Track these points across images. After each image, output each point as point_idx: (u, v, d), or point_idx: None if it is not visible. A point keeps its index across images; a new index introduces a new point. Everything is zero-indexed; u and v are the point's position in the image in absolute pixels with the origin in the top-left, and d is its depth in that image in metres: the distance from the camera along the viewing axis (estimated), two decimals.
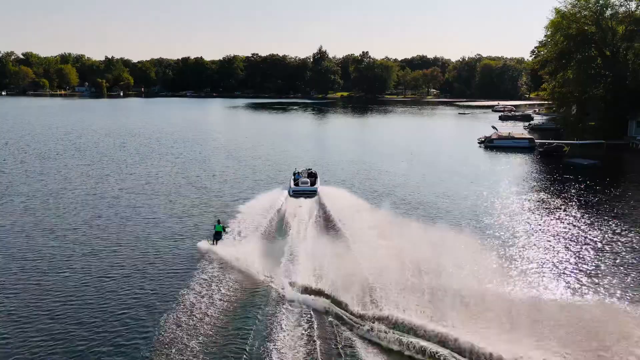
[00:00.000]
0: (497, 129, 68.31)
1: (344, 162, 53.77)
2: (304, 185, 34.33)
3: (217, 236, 24.02)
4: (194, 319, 17.19)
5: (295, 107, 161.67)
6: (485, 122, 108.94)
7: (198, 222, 29.12)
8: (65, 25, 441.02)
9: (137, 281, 20.68)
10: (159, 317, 17.29)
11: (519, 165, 53.01)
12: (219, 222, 24.89)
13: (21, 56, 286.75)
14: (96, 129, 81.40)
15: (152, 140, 68.16)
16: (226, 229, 24.94)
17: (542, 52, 78.96)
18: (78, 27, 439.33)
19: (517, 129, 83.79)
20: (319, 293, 18.84)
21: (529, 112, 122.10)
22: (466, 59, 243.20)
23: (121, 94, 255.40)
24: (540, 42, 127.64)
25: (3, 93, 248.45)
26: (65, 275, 21.25)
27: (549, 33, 71.54)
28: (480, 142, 66.68)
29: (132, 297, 19.19)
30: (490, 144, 63.83)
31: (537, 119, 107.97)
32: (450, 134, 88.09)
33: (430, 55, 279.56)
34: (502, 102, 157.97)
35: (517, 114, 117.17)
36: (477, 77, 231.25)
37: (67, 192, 36.57)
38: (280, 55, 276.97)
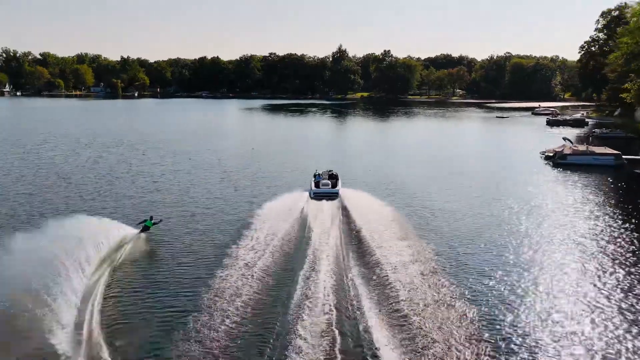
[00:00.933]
0: (571, 141, 53.00)
1: (372, 180, 40.62)
2: (325, 187, 32.86)
3: (145, 229, 24.96)
4: None
5: (313, 109, 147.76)
6: (533, 127, 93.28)
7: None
8: (85, 26, 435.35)
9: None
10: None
11: (612, 194, 37.90)
12: (151, 218, 25.58)
13: (39, 56, 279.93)
14: (80, 137, 68.58)
15: (137, 153, 54.83)
16: (156, 224, 25.51)
17: (625, 44, 62.40)
18: (97, 28, 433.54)
19: (566, 133, 68.33)
20: None
21: (577, 115, 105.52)
22: (494, 57, 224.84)
23: (136, 94, 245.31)
24: (591, 37, 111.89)
25: (18, 93, 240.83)
26: None
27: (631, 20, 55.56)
28: (548, 158, 51.48)
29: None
30: (563, 161, 48.66)
31: (591, 124, 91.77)
32: (499, 143, 71.56)
33: (455, 54, 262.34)
34: (542, 104, 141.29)
35: (567, 118, 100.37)
36: (506, 77, 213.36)
37: None
38: (299, 54, 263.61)
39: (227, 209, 30.76)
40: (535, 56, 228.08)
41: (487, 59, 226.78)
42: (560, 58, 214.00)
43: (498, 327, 16.29)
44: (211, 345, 14.89)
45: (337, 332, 15.53)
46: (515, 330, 16.12)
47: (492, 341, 15.40)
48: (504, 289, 19.29)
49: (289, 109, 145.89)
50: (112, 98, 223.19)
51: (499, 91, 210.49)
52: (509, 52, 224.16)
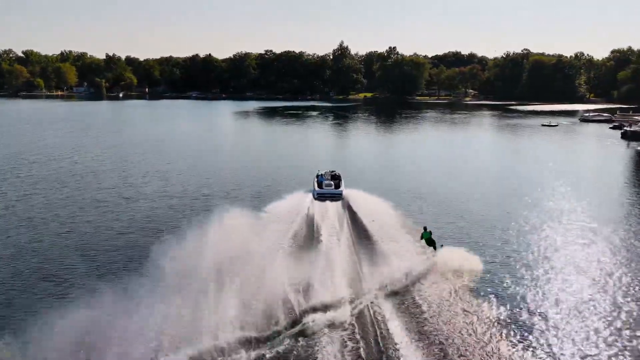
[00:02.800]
0: None
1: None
2: (328, 187, 31.41)
3: (430, 243, 21.98)
4: None
5: (313, 114, 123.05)
6: (607, 142, 68.40)
7: None
8: (75, 24, 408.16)
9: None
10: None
11: None
12: (425, 229, 22.45)
13: (21, 54, 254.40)
14: None
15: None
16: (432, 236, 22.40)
17: None
18: (88, 26, 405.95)
19: None
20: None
21: None
22: (511, 54, 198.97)
23: (120, 95, 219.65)
24: None
25: None
26: None
27: None
28: None
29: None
30: None
31: None
32: (602, 178, 44.31)
33: (465, 52, 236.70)
34: (588, 107, 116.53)
35: None
36: (524, 76, 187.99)
37: None
38: (297, 52, 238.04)
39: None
40: (549, 54, 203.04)
41: (502, 57, 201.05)
42: (585, 55, 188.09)
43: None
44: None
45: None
46: None
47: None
48: None
49: (286, 114, 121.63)
50: (95, 99, 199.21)
51: (517, 91, 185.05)
52: (526, 49, 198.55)
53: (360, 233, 24.09)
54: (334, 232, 24.03)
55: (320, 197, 30.16)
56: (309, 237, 23.58)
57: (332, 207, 28.19)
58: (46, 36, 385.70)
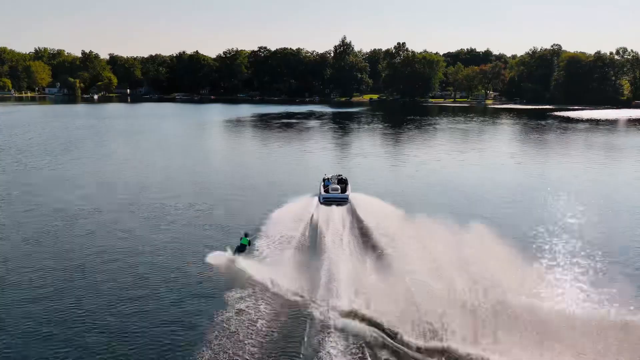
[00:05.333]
0: None
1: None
2: (335, 192, 30.13)
3: (240, 248, 21.83)
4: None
5: (312, 124, 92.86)
6: None
7: None
8: (57, 20, 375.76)
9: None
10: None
11: None
12: (246, 235, 22.31)
13: None
14: None
15: None
16: (251, 243, 22.25)
17: None
18: (70, 22, 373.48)
19: None
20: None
21: None
22: (538, 50, 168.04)
23: (95, 97, 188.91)
24: None
25: None
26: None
27: None
28: None
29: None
30: None
31: None
32: None
33: (481, 48, 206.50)
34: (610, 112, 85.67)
35: None
36: (556, 76, 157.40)
37: None
38: (294, 49, 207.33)
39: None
40: (577, 51, 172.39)
41: (528, 53, 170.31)
42: (629, 51, 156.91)
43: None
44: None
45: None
46: None
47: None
48: None
49: (281, 123, 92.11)
50: (68, 101, 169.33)
51: (548, 94, 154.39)
52: (557, 44, 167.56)
53: (365, 238, 23.12)
54: (338, 236, 23.24)
55: (326, 201, 28.95)
56: (313, 242, 22.81)
57: (337, 212, 27.26)
58: (24, 33, 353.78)
